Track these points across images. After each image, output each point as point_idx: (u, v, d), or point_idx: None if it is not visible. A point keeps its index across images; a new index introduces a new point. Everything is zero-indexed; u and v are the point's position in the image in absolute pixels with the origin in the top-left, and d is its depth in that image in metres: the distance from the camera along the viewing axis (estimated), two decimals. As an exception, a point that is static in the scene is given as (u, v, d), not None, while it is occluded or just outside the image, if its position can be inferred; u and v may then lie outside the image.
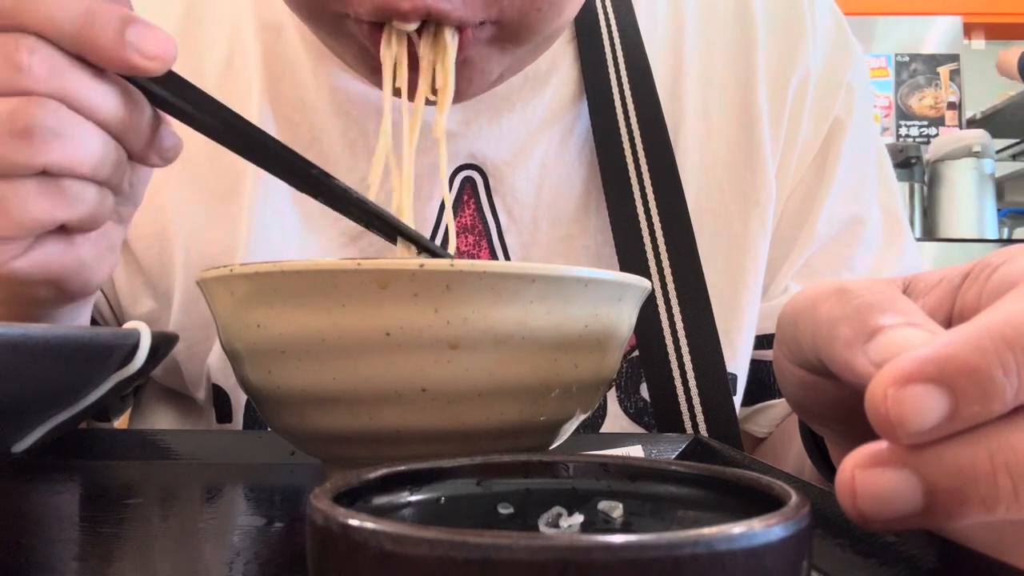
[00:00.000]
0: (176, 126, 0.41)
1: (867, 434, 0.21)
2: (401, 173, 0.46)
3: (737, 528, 0.17)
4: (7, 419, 0.34)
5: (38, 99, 0.35)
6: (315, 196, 0.40)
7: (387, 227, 0.40)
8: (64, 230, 0.39)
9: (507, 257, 0.59)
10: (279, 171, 0.40)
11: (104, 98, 0.37)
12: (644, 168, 0.58)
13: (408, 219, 0.44)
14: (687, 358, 0.55)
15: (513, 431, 0.31)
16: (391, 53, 0.45)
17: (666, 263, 0.56)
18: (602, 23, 0.62)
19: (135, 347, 0.36)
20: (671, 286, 0.56)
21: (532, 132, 0.59)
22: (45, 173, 0.36)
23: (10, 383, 0.31)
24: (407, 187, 0.45)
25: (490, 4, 0.45)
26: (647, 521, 0.24)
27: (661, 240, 0.57)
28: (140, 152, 0.40)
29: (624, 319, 0.34)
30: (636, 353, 0.57)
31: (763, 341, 0.62)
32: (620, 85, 0.60)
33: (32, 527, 0.32)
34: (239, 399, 0.58)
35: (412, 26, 0.44)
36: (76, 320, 0.48)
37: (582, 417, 0.34)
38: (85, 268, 0.41)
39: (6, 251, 0.37)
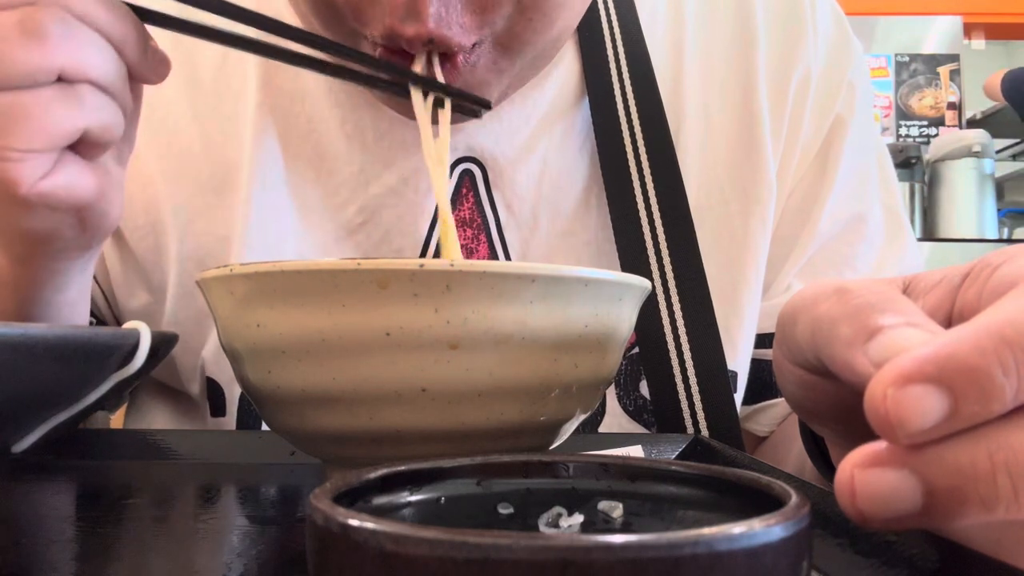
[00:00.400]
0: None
1: (867, 434, 0.21)
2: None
3: (737, 528, 0.17)
4: (7, 419, 0.35)
5: (43, 5, 0.36)
6: (310, 66, 0.41)
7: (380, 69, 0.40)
8: (81, 151, 0.40)
9: (506, 252, 0.59)
10: (271, 51, 0.41)
11: (99, 9, 0.38)
12: (645, 164, 0.58)
13: (449, 226, 0.45)
14: (687, 355, 0.55)
15: (513, 431, 0.31)
16: (422, 64, 0.46)
17: (667, 259, 0.56)
18: (603, 20, 0.62)
19: (135, 347, 0.36)
20: (671, 283, 0.56)
21: (533, 127, 0.59)
22: (60, 81, 0.37)
23: (10, 383, 0.31)
24: (444, 199, 0.46)
25: (482, 24, 0.45)
26: (647, 521, 0.24)
27: (662, 236, 0.57)
28: (137, 65, 0.41)
29: (624, 319, 0.34)
30: (636, 350, 0.57)
31: (765, 340, 0.61)
32: (621, 81, 0.60)
33: (32, 527, 0.32)
34: (233, 393, 0.58)
35: (421, 52, 0.45)
36: (84, 277, 0.48)
37: (582, 417, 0.34)
38: (103, 196, 0.42)
39: (34, 167, 0.38)
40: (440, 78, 0.46)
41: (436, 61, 0.45)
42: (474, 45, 0.46)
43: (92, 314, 0.60)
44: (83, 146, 0.40)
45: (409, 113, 0.46)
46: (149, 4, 0.41)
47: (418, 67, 0.45)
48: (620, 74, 0.60)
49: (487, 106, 0.47)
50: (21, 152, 0.37)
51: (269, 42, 0.42)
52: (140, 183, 0.58)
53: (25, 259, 0.44)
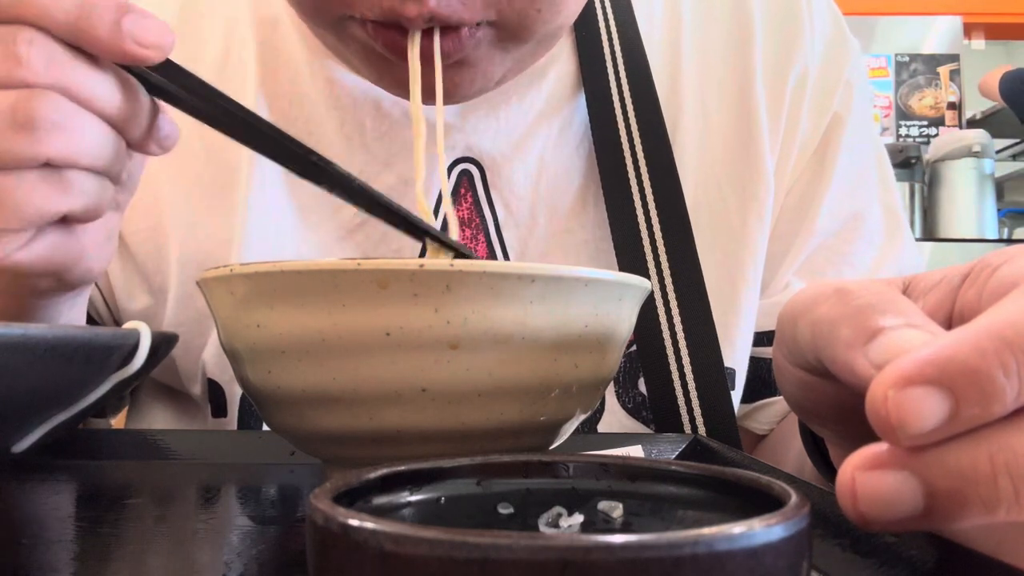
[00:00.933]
0: (172, 114, 0.41)
1: (866, 435, 0.21)
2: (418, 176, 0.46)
3: (737, 528, 0.17)
4: (7, 419, 0.34)
5: (39, 91, 0.35)
6: (316, 183, 0.40)
7: (388, 213, 0.40)
8: (65, 221, 0.39)
9: (504, 251, 0.59)
10: (279, 158, 0.40)
11: (103, 88, 0.37)
12: (642, 162, 0.58)
13: (450, 214, 0.45)
14: (684, 352, 0.55)
15: (513, 431, 0.31)
16: (416, 55, 0.45)
17: (664, 257, 0.56)
18: (600, 18, 0.62)
19: (135, 347, 0.36)
20: (668, 280, 0.56)
21: (530, 125, 0.59)
22: (47, 165, 0.37)
23: (10, 383, 0.31)
24: (444, 184, 0.46)
25: (489, 5, 0.45)
26: (647, 521, 0.24)
27: (659, 234, 0.57)
28: (139, 141, 0.40)
29: (624, 319, 0.34)
30: (634, 348, 0.57)
31: (764, 338, 0.62)
32: (618, 79, 0.60)
33: (32, 527, 0.32)
34: (234, 393, 0.58)
35: (419, 28, 0.44)
36: (73, 311, 0.48)
37: (582, 417, 0.34)
38: (86, 257, 0.41)
39: (9, 243, 0.38)
40: (438, 62, 0.45)
41: (436, 37, 0.45)
42: (478, 24, 0.46)
43: (92, 317, 0.60)
44: (68, 218, 0.39)
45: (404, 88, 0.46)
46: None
47: (412, 41, 0.45)
48: (616, 72, 0.60)
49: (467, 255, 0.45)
50: None
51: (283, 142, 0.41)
52: (141, 186, 0.57)
53: (10, 294, 0.43)
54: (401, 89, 0.52)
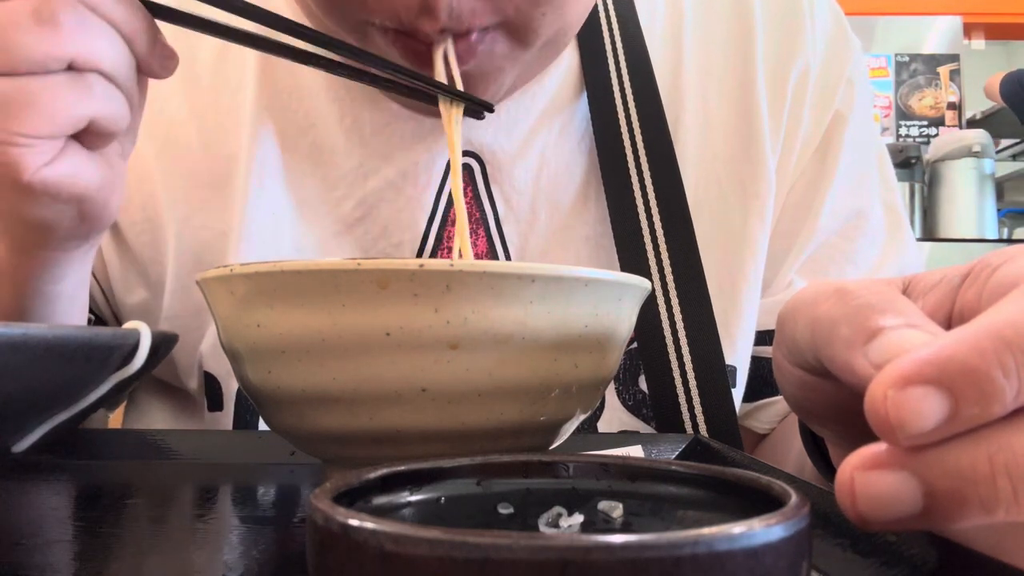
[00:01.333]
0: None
1: (866, 435, 0.21)
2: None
3: (737, 528, 0.17)
4: (7, 419, 0.34)
5: None
6: (325, 67, 0.42)
7: (396, 74, 0.41)
8: (88, 136, 0.40)
9: (504, 246, 0.59)
10: (285, 50, 0.42)
11: (111, 2, 0.39)
12: (643, 159, 0.58)
13: (460, 211, 0.46)
14: (685, 349, 0.55)
15: (513, 431, 0.31)
16: (440, 56, 0.46)
17: (664, 254, 0.56)
18: (602, 16, 0.62)
19: (135, 347, 0.36)
20: (669, 277, 0.56)
21: (532, 122, 0.60)
22: (70, 69, 0.38)
23: (10, 383, 0.31)
24: (457, 185, 0.47)
25: (495, 11, 0.45)
26: (647, 521, 0.24)
27: (660, 231, 0.57)
28: (145, 58, 0.41)
29: (624, 319, 0.34)
30: (634, 345, 0.57)
31: (766, 337, 0.62)
32: (620, 76, 0.60)
33: (32, 527, 0.32)
34: (230, 387, 0.58)
35: (435, 39, 0.46)
36: (83, 269, 0.48)
37: (582, 417, 0.34)
38: (104, 188, 0.42)
39: (38, 154, 0.38)
40: (454, 64, 0.46)
41: (450, 47, 0.46)
42: (487, 28, 0.46)
43: (91, 311, 0.60)
44: (88, 136, 0.40)
45: (414, 107, 0.46)
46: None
47: (437, 53, 0.46)
48: (619, 69, 0.60)
49: (490, 108, 0.48)
50: (27, 138, 0.37)
51: (276, 39, 0.42)
52: (138, 178, 0.58)
53: (23, 248, 0.44)
54: (412, 108, 0.52)
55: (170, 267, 0.58)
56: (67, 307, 0.48)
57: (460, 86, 0.47)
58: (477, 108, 0.47)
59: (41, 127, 0.37)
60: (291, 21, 0.42)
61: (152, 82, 0.44)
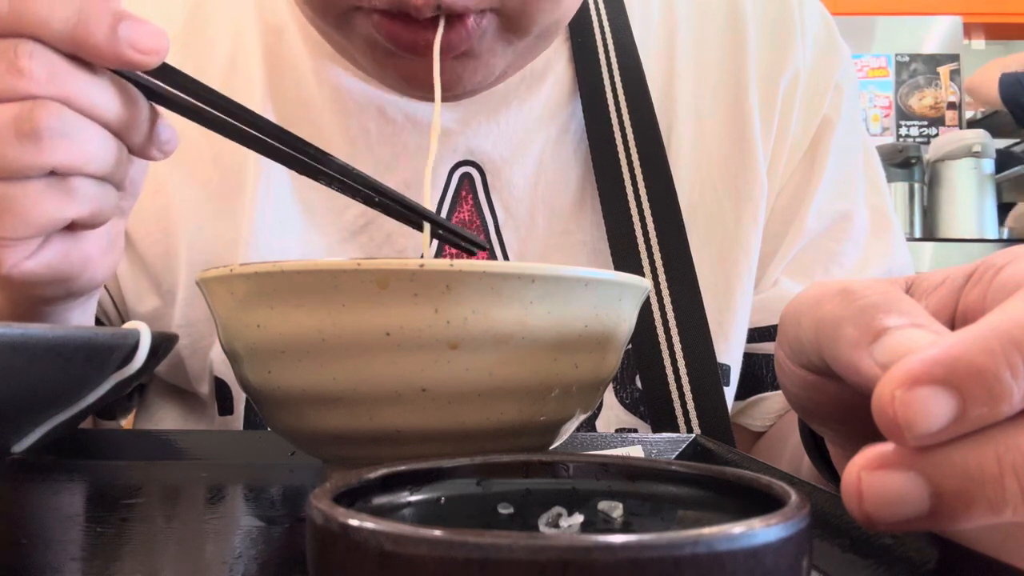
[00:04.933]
0: (175, 120, 0.41)
1: (869, 434, 0.21)
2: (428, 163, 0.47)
3: (737, 528, 0.17)
4: (7, 419, 0.34)
5: (42, 102, 0.36)
6: (316, 177, 0.41)
7: (390, 200, 0.41)
8: (71, 228, 0.40)
9: (504, 252, 0.60)
10: (278, 155, 0.41)
11: (102, 96, 0.38)
12: (636, 165, 0.60)
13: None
14: (678, 348, 0.56)
15: (513, 431, 0.31)
16: (438, 41, 0.46)
17: (658, 257, 0.58)
18: (595, 24, 0.63)
19: (135, 347, 0.36)
20: (663, 278, 0.57)
21: (528, 129, 0.61)
22: (52, 174, 0.37)
23: (10, 383, 0.31)
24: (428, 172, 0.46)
25: None
26: (647, 521, 0.24)
27: (653, 234, 0.58)
28: (140, 147, 0.41)
29: (624, 319, 0.34)
30: (630, 344, 0.57)
31: (755, 334, 0.63)
32: (613, 84, 0.61)
33: (32, 527, 0.32)
34: (240, 392, 0.58)
35: (427, 16, 0.45)
36: (82, 318, 0.48)
37: (582, 417, 0.34)
38: (91, 264, 0.42)
39: (17, 252, 0.38)
40: (438, 42, 0.46)
41: (441, 26, 0.46)
42: (483, 11, 0.47)
43: (101, 320, 0.61)
44: (74, 226, 0.40)
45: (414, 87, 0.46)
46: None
47: (436, 37, 0.46)
48: (612, 78, 0.62)
49: (482, 247, 0.46)
50: (4, 239, 0.37)
51: (274, 144, 0.41)
52: (151, 190, 0.58)
53: (17, 302, 0.44)
54: (405, 84, 0.53)
55: (182, 276, 0.59)
56: None
57: (437, 77, 0.47)
58: (469, 248, 0.45)
59: (18, 230, 0.37)
60: (287, 135, 0.41)
61: None
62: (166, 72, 0.39)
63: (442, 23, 0.46)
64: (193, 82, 0.39)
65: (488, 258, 0.60)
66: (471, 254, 0.48)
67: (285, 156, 0.41)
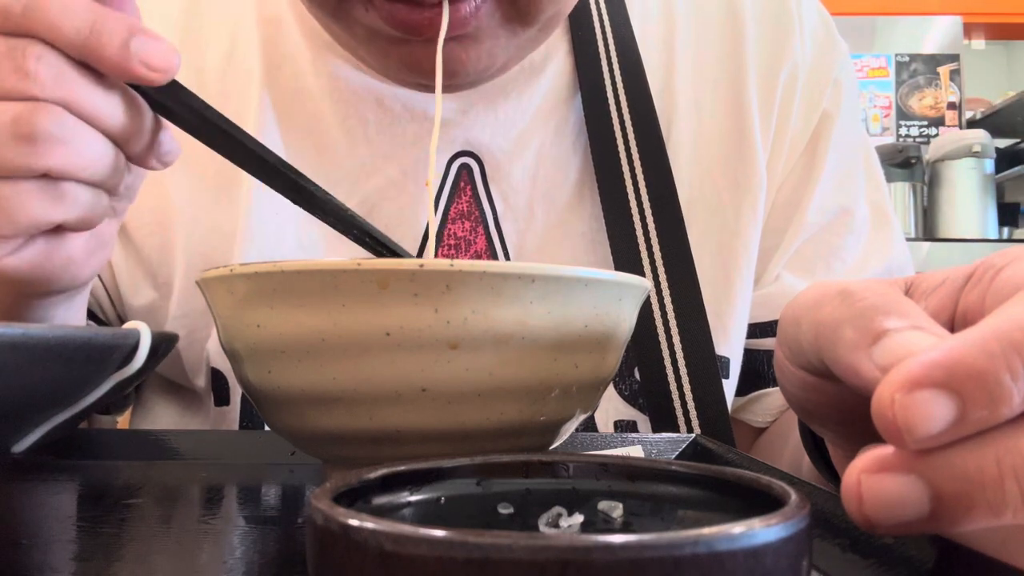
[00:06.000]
0: (173, 129, 0.41)
1: (868, 436, 0.21)
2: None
3: (737, 528, 0.17)
4: (7, 419, 0.35)
5: (43, 105, 0.36)
6: (310, 210, 0.41)
7: (378, 245, 0.41)
8: (57, 230, 0.40)
9: (503, 244, 0.61)
10: (272, 181, 0.41)
11: (107, 105, 0.38)
12: (635, 158, 0.60)
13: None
14: (676, 340, 0.57)
15: (513, 431, 0.31)
16: (445, 16, 0.46)
17: (656, 249, 0.58)
18: (595, 18, 0.64)
19: (135, 347, 0.36)
20: (661, 271, 0.58)
21: (528, 121, 0.61)
22: (45, 176, 0.37)
23: (10, 383, 0.31)
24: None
25: None
26: (647, 521, 0.24)
27: (652, 227, 0.59)
28: (140, 156, 0.41)
29: (624, 319, 0.34)
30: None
31: (756, 330, 0.63)
32: (612, 77, 0.62)
33: (32, 527, 0.32)
34: (237, 383, 0.58)
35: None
36: (70, 312, 0.48)
37: (582, 417, 0.34)
38: (73, 266, 0.42)
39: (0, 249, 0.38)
40: (445, 23, 0.46)
41: (446, 7, 0.46)
42: None
43: (96, 316, 0.61)
44: (60, 228, 0.40)
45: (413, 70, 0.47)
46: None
47: (444, 18, 0.46)
48: (611, 71, 0.62)
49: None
50: None
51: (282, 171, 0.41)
52: (148, 183, 0.58)
53: (2, 298, 0.44)
54: (407, 71, 0.53)
55: (179, 267, 0.59)
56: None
57: (440, 61, 0.47)
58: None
59: (2, 228, 0.37)
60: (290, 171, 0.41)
61: None
62: (174, 88, 0.39)
63: (446, 5, 0.46)
64: (199, 101, 0.40)
65: (487, 251, 0.60)
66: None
67: (278, 184, 0.41)
